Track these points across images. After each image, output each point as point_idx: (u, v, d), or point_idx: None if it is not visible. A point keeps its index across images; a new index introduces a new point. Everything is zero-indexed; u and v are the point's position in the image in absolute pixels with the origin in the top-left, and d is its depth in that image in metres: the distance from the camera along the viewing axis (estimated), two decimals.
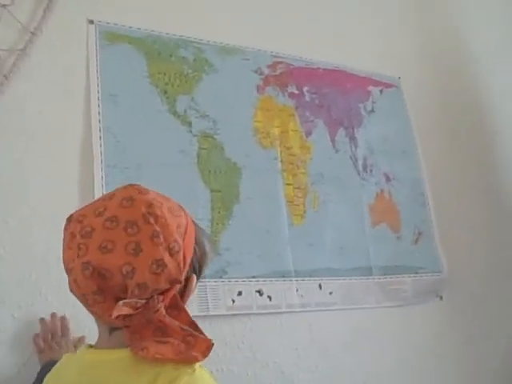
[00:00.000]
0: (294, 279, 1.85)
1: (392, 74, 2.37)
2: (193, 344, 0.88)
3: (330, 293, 1.91)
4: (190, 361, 0.86)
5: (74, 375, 0.95)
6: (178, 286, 0.90)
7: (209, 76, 1.92)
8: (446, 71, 2.57)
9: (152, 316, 0.88)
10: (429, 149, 2.34)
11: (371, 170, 2.16)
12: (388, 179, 2.19)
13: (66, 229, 0.92)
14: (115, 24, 1.80)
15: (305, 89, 2.11)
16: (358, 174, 2.13)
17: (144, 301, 0.86)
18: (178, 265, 0.88)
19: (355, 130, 2.18)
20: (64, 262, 0.91)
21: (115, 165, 1.66)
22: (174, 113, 1.82)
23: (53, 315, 1.49)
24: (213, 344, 0.88)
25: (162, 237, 0.87)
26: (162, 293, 0.88)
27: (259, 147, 1.95)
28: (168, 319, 0.89)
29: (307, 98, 2.11)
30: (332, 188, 2.04)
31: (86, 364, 0.94)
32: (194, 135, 1.83)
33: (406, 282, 2.10)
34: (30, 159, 1.58)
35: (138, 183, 0.97)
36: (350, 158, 2.13)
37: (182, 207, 0.97)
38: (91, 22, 1.77)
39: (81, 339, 1.49)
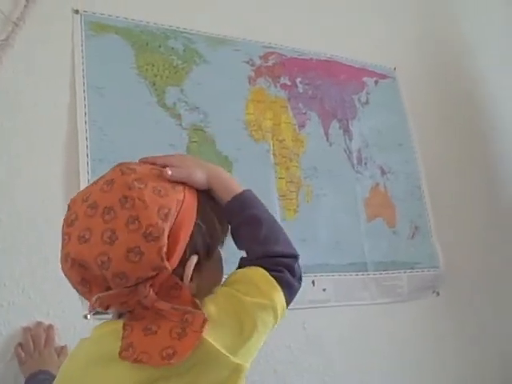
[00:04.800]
0: None
1: (387, 65, 2.32)
2: (191, 321, 0.83)
3: (324, 289, 1.87)
4: (171, 363, 0.81)
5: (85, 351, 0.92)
6: (165, 273, 0.84)
7: (199, 67, 1.87)
8: (442, 62, 2.52)
9: (144, 301, 0.84)
10: (425, 141, 2.30)
11: (366, 163, 2.12)
12: (383, 172, 2.15)
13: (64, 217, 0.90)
14: (101, 14, 1.75)
15: (297, 80, 2.06)
16: (353, 167, 2.08)
17: (127, 290, 0.83)
18: (159, 251, 0.82)
19: (349, 122, 2.13)
20: None
21: (102, 159, 1.61)
22: (163, 105, 1.77)
23: (38, 324, 1.43)
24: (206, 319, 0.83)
25: (137, 222, 0.82)
26: (149, 278, 0.84)
27: (251, 140, 1.90)
28: (159, 303, 0.85)
29: (300, 90, 2.06)
30: (326, 182, 1.99)
31: (93, 339, 0.91)
32: (184, 128, 1.78)
33: (402, 278, 2.05)
34: (12, 154, 1.53)
35: (129, 161, 0.94)
36: (344, 150, 2.08)
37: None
38: (76, 11, 1.71)
39: (63, 348, 1.43)
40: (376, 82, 2.28)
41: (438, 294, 2.14)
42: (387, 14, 2.43)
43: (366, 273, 1.97)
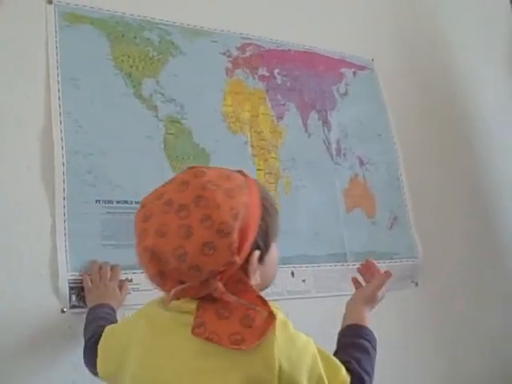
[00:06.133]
0: None
1: (365, 56, 2.33)
2: (252, 318, 0.92)
3: (303, 280, 1.86)
4: (241, 348, 0.90)
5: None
6: (234, 266, 0.94)
7: (175, 59, 1.85)
8: (420, 53, 2.54)
9: (214, 294, 0.93)
10: (404, 132, 2.31)
11: (345, 154, 2.12)
12: (362, 163, 2.15)
13: (136, 214, 0.99)
14: (76, 4, 1.72)
15: (276, 71, 2.06)
16: (332, 158, 2.08)
17: (199, 283, 0.92)
18: (229, 246, 0.91)
19: (328, 113, 2.13)
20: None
21: (77, 151, 1.59)
22: (140, 97, 1.75)
23: (105, 263, 1.52)
24: (274, 318, 0.92)
25: (211, 220, 0.91)
26: (219, 272, 0.93)
27: (229, 132, 1.88)
28: (227, 296, 0.93)
29: (278, 81, 2.05)
30: (305, 173, 1.99)
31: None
32: (161, 120, 1.76)
33: (382, 268, 2.05)
34: None
35: (200, 165, 1.03)
36: (323, 141, 2.08)
37: (247, 184, 1.01)
38: (50, 1, 1.68)
39: (124, 283, 1.52)
40: (354, 73, 2.28)
41: (416, 284, 2.15)
42: (365, 6, 2.42)
43: (345, 263, 1.97)
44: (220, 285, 0.93)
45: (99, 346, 1.13)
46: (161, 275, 0.94)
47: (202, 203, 0.92)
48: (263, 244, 1.01)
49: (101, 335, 1.15)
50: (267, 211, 1.02)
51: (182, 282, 0.93)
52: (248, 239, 0.95)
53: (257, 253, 0.99)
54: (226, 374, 0.92)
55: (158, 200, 0.96)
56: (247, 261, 0.97)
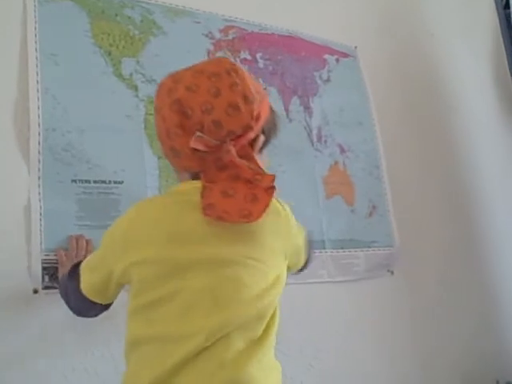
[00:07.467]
0: None
1: (348, 44, 2.31)
2: (260, 180, 1.03)
3: None
4: (250, 221, 1.00)
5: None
6: (249, 135, 1.05)
7: (156, 38, 1.82)
8: (402, 42, 2.54)
9: (224, 157, 1.02)
10: (385, 121, 2.30)
11: (326, 141, 2.10)
12: (343, 151, 2.14)
13: (158, 86, 1.11)
14: None
15: (258, 55, 2.03)
16: (312, 144, 2.07)
17: (218, 142, 1.02)
18: (251, 113, 1.03)
19: (310, 99, 2.11)
20: (155, 107, 1.11)
21: (55, 128, 1.55)
22: (119, 76, 1.71)
23: (80, 237, 1.49)
24: (274, 188, 1.03)
25: (239, 87, 1.03)
26: (234, 139, 1.03)
27: None
28: (238, 160, 1.03)
29: (261, 65, 2.03)
30: (285, 159, 1.96)
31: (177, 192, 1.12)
32: (141, 100, 1.73)
33: (359, 256, 2.05)
34: None
35: None
36: (304, 128, 2.07)
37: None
38: None
39: None
40: (337, 60, 2.26)
41: (392, 273, 2.15)
42: None
43: (323, 250, 1.97)
44: (232, 149, 1.02)
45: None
46: (182, 126, 1.03)
47: (233, 74, 1.04)
48: (268, 134, 1.12)
49: None
50: (274, 114, 1.15)
51: None
52: (261, 118, 1.07)
53: (262, 137, 1.10)
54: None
55: (188, 70, 1.08)
56: (254, 141, 1.08)
